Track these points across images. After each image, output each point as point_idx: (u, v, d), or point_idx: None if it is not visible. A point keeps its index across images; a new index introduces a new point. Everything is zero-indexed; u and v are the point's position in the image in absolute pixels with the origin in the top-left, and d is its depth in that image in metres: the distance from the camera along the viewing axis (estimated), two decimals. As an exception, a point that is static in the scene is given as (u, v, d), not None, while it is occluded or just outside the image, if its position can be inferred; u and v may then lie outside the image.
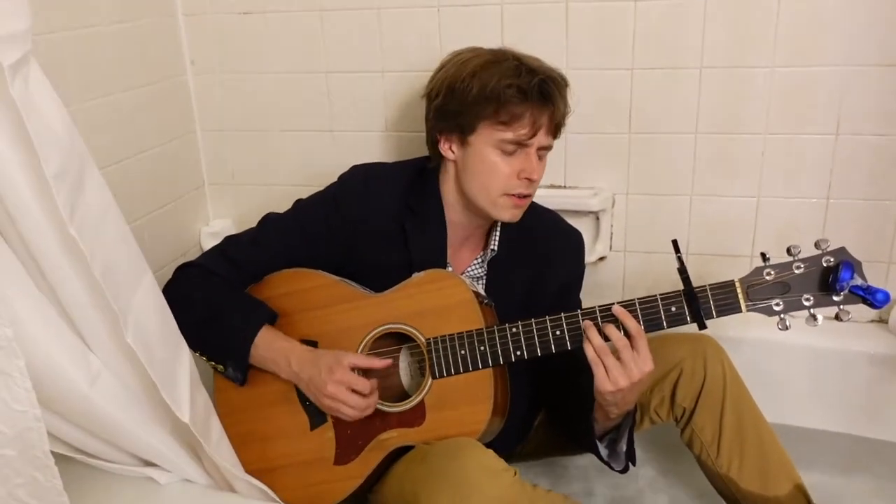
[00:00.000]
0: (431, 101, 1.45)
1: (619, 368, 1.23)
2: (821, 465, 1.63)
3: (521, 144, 1.37)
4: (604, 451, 1.41)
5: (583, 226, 1.72)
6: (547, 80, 1.38)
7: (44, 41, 1.46)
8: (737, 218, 1.75)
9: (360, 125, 1.90)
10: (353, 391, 1.32)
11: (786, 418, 1.68)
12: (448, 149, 1.44)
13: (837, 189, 1.68)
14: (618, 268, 1.86)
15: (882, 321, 1.76)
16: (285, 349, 1.38)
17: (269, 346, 1.39)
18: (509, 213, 1.41)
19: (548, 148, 1.42)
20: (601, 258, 1.85)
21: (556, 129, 1.41)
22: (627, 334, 1.25)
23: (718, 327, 1.61)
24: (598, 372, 1.24)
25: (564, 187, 1.83)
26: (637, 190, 1.79)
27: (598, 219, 1.81)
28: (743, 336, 1.71)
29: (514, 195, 1.39)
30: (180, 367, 1.23)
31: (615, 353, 1.25)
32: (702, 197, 1.76)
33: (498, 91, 1.35)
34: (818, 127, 1.65)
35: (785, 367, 1.73)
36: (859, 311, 1.70)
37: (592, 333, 1.25)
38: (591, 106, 1.73)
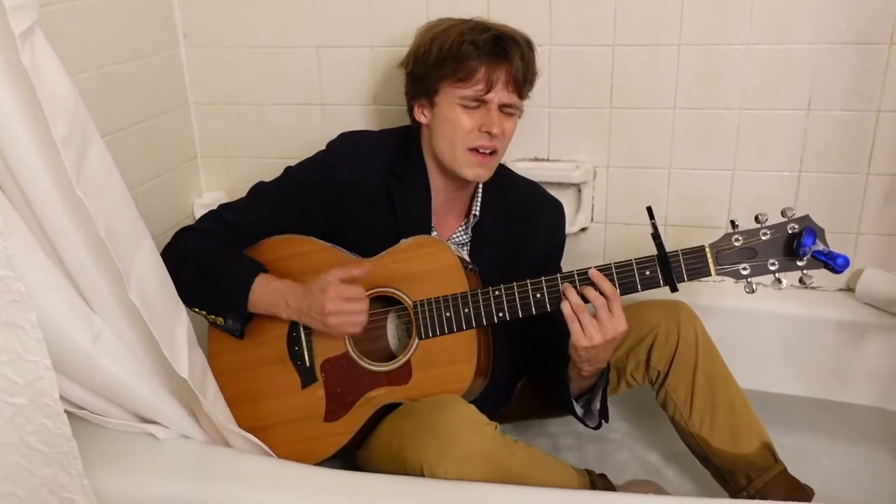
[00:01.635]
0: (405, 70, 1.52)
1: (594, 325, 1.30)
2: (790, 427, 1.70)
3: (480, 101, 1.42)
4: (579, 410, 1.48)
5: (565, 197, 1.77)
6: (502, 36, 1.42)
7: (43, 13, 1.48)
8: (713, 190, 1.81)
9: (350, 99, 1.93)
10: (349, 300, 1.36)
11: (758, 384, 1.73)
12: (421, 114, 1.50)
13: (809, 163, 1.74)
14: (599, 238, 1.92)
15: (850, 290, 1.82)
16: (281, 290, 1.42)
17: (265, 289, 1.42)
18: (473, 170, 1.45)
19: (511, 106, 1.45)
20: (583, 229, 1.90)
21: (517, 86, 1.44)
22: (603, 296, 1.31)
23: (693, 295, 1.69)
24: (574, 328, 1.31)
25: (548, 160, 1.87)
26: (617, 163, 1.84)
27: (579, 191, 1.87)
28: (717, 304, 1.78)
29: (476, 150, 1.43)
30: (179, 326, 1.29)
31: (592, 314, 1.31)
32: (679, 170, 1.81)
33: (454, 49, 1.41)
34: (791, 103, 1.70)
35: (756, 334, 1.80)
36: (828, 279, 1.79)
37: (570, 293, 1.32)
38: (574, 81, 1.78)
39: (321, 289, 1.37)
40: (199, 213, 2.03)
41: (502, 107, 1.44)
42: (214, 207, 1.57)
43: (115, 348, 1.22)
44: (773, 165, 1.76)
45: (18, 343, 0.97)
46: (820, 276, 1.74)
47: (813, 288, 1.83)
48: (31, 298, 1.03)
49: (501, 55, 1.41)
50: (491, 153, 1.45)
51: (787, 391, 1.82)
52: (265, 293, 1.43)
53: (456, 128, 1.43)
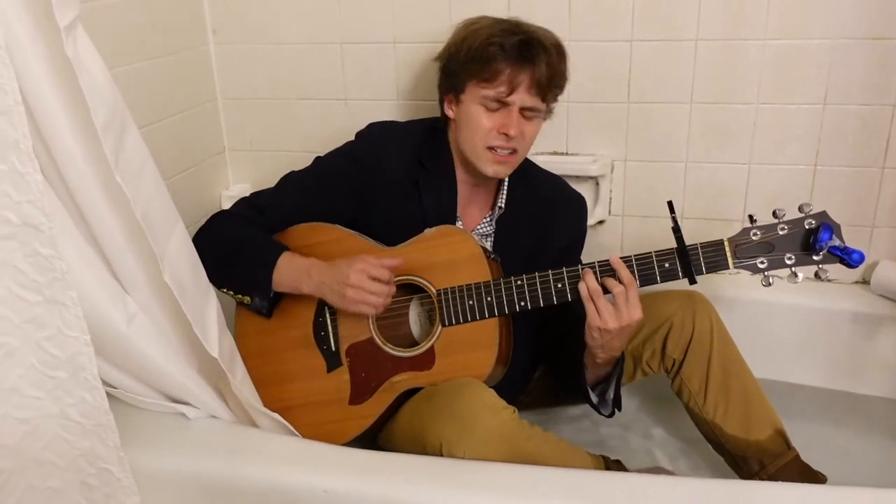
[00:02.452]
0: (439, 65, 1.55)
1: (609, 310, 1.33)
2: (805, 417, 1.72)
3: (502, 102, 1.44)
4: (594, 398, 1.52)
5: (583, 190, 1.80)
6: (530, 40, 1.44)
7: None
8: (729, 184, 1.83)
9: (373, 94, 1.98)
10: (373, 279, 1.39)
11: (774, 374, 1.77)
12: (449, 108, 1.53)
13: (824, 157, 1.76)
14: (616, 231, 1.95)
15: (865, 282, 1.84)
16: (305, 265, 1.46)
17: (289, 265, 1.46)
18: (491, 167, 1.48)
19: (533, 109, 1.46)
20: (600, 221, 1.93)
21: (541, 91, 1.45)
22: (621, 283, 1.34)
23: (711, 287, 1.72)
24: (590, 309, 1.34)
25: (566, 154, 1.91)
26: (635, 157, 1.87)
27: (597, 184, 1.90)
28: (734, 296, 1.81)
29: (494, 150, 1.46)
30: (209, 308, 1.34)
31: (610, 300, 1.34)
32: (696, 164, 1.84)
33: (481, 49, 1.43)
34: (807, 97, 1.72)
35: (773, 325, 1.82)
36: (844, 272, 1.80)
37: (589, 278, 1.35)
38: (592, 76, 1.81)
39: (349, 262, 1.41)
40: (226, 205, 2.09)
41: (524, 110, 1.45)
42: (248, 195, 1.62)
43: (148, 330, 1.27)
44: (789, 159, 1.78)
45: (60, 319, 1.02)
46: (835, 269, 1.76)
47: (829, 280, 1.84)
48: (71, 278, 1.08)
49: (527, 59, 1.43)
50: (510, 153, 1.47)
51: (803, 381, 1.84)
52: (289, 268, 1.46)
53: (476, 126, 1.47)
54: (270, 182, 1.62)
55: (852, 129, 1.73)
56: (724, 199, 1.85)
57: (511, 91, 1.43)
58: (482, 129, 1.46)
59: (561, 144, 1.91)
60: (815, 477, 1.48)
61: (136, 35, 1.76)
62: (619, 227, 1.95)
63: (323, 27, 1.95)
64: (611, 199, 1.92)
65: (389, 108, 1.98)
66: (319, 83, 2.01)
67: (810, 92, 1.72)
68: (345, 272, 1.40)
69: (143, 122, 1.79)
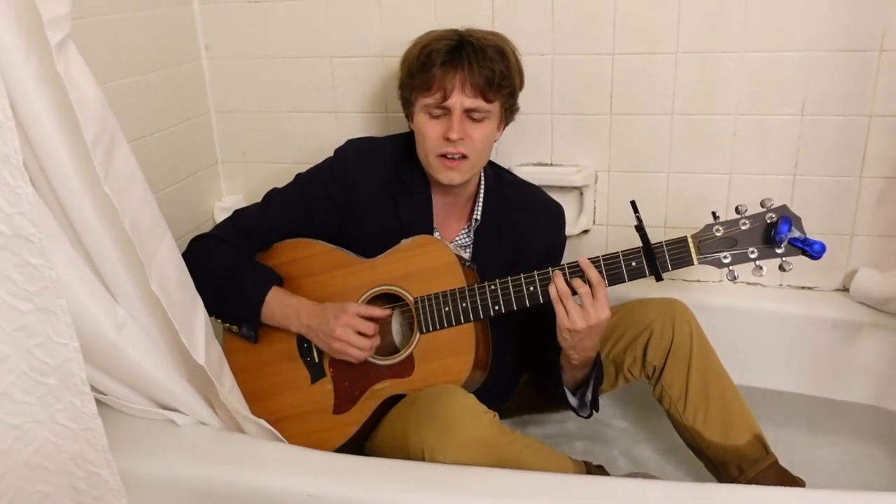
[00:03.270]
0: (398, 84, 1.60)
1: (577, 311, 1.36)
2: (785, 423, 1.75)
3: (443, 108, 1.47)
4: (574, 401, 1.55)
5: (567, 201, 1.84)
6: (461, 44, 1.47)
7: (73, 26, 1.58)
8: (710, 193, 1.86)
9: (362, 107, 2.01)
10: (359, 334, 1.44)
11: (754, 380, 1.79)
12: (411, 124, 1.57)
13: (804, 166, 1.79)
14: (601, 240, 1.98)
15: (844, 289, 1.87)
16: (295, 305, 1.51)
17: (279, 303, 1.51)
18: (444, 174, 1.50)
19: (478, 110, 1.47)
20: (585, 231, 1.96)
21: (478, 91, 1.46)
22: (590, 284, 1.37)
23: (691, 295, 1.75)
24: (559, 311, 1.37)
25: (551, 164, 1.94)
26: (618, 167, 1.90)
27: (581, 194, 1.93)
28: (714, 303, 1.84)
29: (443, 157, 1.49)
30: (197, 318, 1.36)
31: (579, 301, 1.37)
32: (678, 174, 1.87)
33: (417, 60, 1.48)
34: (785, 108, 1.76)
35: (753, 332, 1.84)
36: (824, 279, 1.83)
37: (559, 280, 1.38)
38: (576, 88, 1.85)
39: (335, 314, 1.45)
40: (219, 216, 2.12)
41: (468, 112, 1.47)
42: (233, 211, 1.66)
43: (137, 338, 1.30)
44: (769, 169, 1.82)
45: (50, 327, 1.05)
46: (816, 276, 1.80)
47: (809, 288, 1.88)
48: (60, 287, 1.11)
49: (456, 61, 1.45)
50: (461, 158, 1.49)
51: (783, 388, 1.86)
52: (280, 307, 1.51)
53: (424, 136, 1.50)
54: (262, 193, 1.66)
55: (830, 139, 1.76)
56: (706, 209, 1.80)
57: (446, 95, 1.46)
58: (429, 138, 1.49)
59: (545, 155, 1.94)
60: (793, 482, 1.50)
61: (131, 50, 1.79)
62: (603, 236, 1.97)
63: (313, 41, 1.99)
64: (595, 208, 1.95)
65: (378, 121, 2.02)
66: (310, 96, 2.04)
67: (788, 103, 1.76)
68: (332, 325, 1.45)
69: (137, 135, 1.82)
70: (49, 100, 1.08)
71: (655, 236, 1.37)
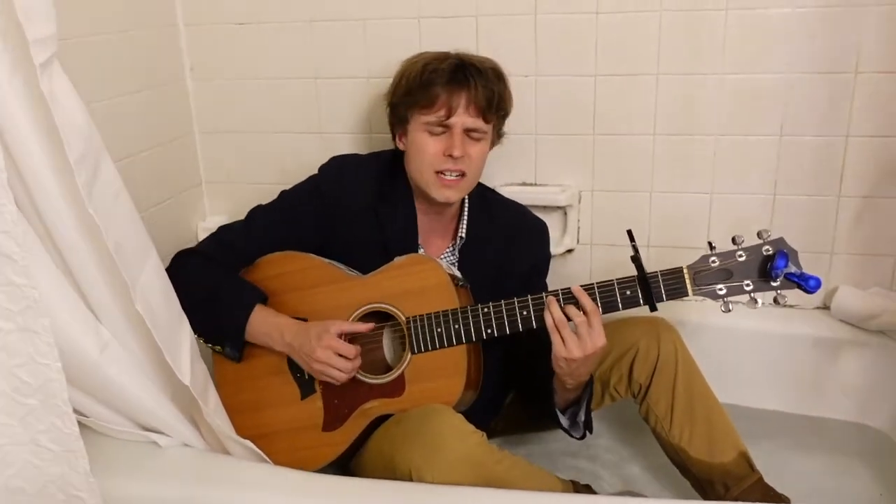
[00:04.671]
0: (387, 102, 1.61)
1: (574, 340, 1.36)
2: (769, 441, 1.75)
3: (444, 125, 1.49)
4: (565, 422, 1.54)
5: (551, 220, 1.85)
6: (463, 64, 1.51)
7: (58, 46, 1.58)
8: (692, 213, 1.88)
9: (347, 127, 2.02)
10: (340, 355, 1.44)
11: (738, 398, 1.80)
12: (400, 142, 1.58)
13: (783, 186, 1.82)
14: (585, 259, 1.99)
15: (825, 307, 1.89)
16: (278, 324, 1.50)
17: (262, 322, 1.50)
18: (441, 192, 1.52)
19: (477, 130, 1.51)
20: (569, 250, 1.97)
21: (480, 111, 1.50)
22: (584, 311, 1.37)
23: (676, 313, 1.76)
24: (556, 339, 1.37)
25: (535, 184, 1.95)
26: (601, 187, 1.92)
27: (565, 214, 1.94)
28: (698, 321, 1.85)
29: (443, 175, 1.50)
30: (182, 337, 1.35)
31: (574, 331, 1.37)
32: (660, 193, 1.89)
33: (417, 78, 1.50)
34: (764, 129, 1.79)
35: (736, 350, 1.86)
36: (804, 298, 1.84)
37: (553, 307, 1.38)
38: (559, 109, 1.87)
39: (318, 335, 1.45)
40: (202, 237, 2.07)
41: (468, 131, 1.50)
42: (217, 227, 1.65)
43: (121, 359, 1.29)
44: (749, 188, 1.84)
45: (32, 347, 1.04)
46: (795, 294, 1.81)
47: (790, 306, 1.88)
48: (43, 306, 1.10)
49: (461, 80, 1.48)
50: (459, 176, 1.51)
51: (766, 406, 1.87)
52: (263, 325, 1.50)
53: (423, 152, 1.51)
54: (246, 213, 1.65)
55: (808, 159, 1.79)
56: (688, 228, 1.90)
57: (450, 113, 1.48)
58: (428, 154, 1.50)
59: (530, 175, 1.95)
60: (778, 499, 1.50)
61: (116, 70, 1.79)
62: (587, 255, 1.99)
63: (297, 62, 2.00)
64: (579, 228, 1.97)
65: (363, 142, 2.02)
66: (295, 117, 2.05)
67: (767, 124, 1.78)
68: (313, 346, 1.44)
69: (121, 155, 1.81)
70: (34, 119, 1.08)
71: (640, 253, 1.38)
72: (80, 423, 1.34)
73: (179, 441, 1.43)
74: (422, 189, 1.55)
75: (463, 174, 1.51)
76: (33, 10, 1.00)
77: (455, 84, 1.49)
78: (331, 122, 2.04)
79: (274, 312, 1.52)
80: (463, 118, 1.49)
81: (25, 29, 0.98)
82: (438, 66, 1.50)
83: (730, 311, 1.36)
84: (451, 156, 1.49)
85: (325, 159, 1.66)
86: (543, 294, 1.41)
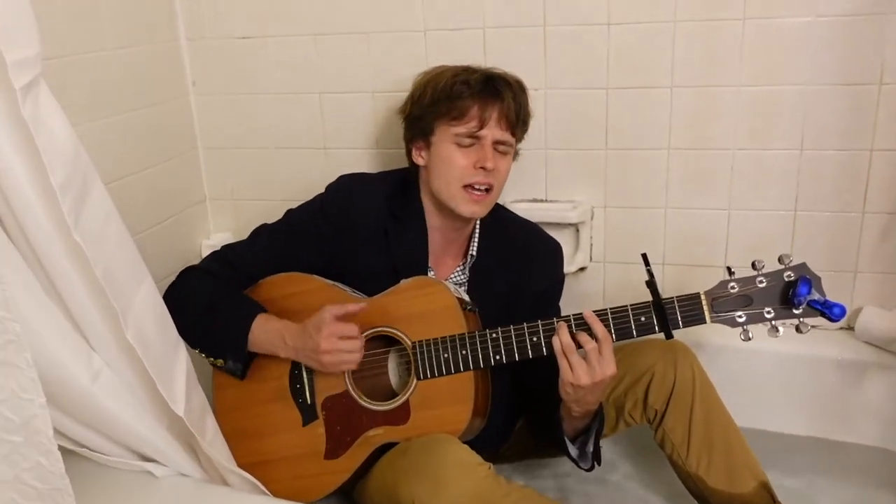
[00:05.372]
0: (402, 116, 1.56)
1: (582, 366, 1.31)
2: (790, 467, 1.69)
3: (474, 137, 1.46)
4: (574, 451, 1.48)
5: (563, 238, 1.80)
6: (493, 77, 1.48)
7: (56, 64, 1.56)
8: (709, 230, 1.83)
9: (352, 143, 1.99)
10: (344, 338, 1.39)
11: (757, 423, 1.75)
12: (419, 156, 1.54)
13: (804, 202, 1.75)
14: (598, 278, 1.94)
15: (849, 328, 1.82)
16: (279, 329, 1.45)
17: (263, 329, 1.46)
18: (468, 207, 1.48)
19: (505, 143, 1.48)
20: (582, 268, 1.92)
21: (509, 124, 1.48)
22: (595, 338, 1.32)
23: (692, 336, 1.69)
24: (563, 365, 1.32)
25: (545, 201, 1.91)
26: (614, 203, 1.87)
27: (577, 231, 1.89)
28: (715, 343, 1.78)
29: (472, 188, 1.46)
30: (178, 365, 1.31)
31: (584, 357, 1.32)
32: (675, 210, 1.83)
33: (447, 89, 1.46)
34: (784, 142, 1.73)
35: (756, 372, 1.80)
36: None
37: (563, 332, 1.33)
38: (570, 124, 1.82)
39: (316, 327, 1.40)
40: (206, 254, 2.06)
41: (496, 144, 1.47)
42: (221, 245, 1.62)
43: (114, 387, 1.25)
44: (769, 204, 1.78)
45: (15, 382, 1.00)
46: (818, 320, 1.74)
47: (813, 327, 1.82)
48: (32, 337, 1.06)
49: (493, 93, 1.46)
50: (486, 190, 1.48)
51: (788, 430, 1.81)
52: (264, 333, 1.46)
53: (451, 165, 1.47)
54: (251, 230, 1.62)
55: (831, 173, 1.73)
56: (705, 246, 1.84)
57: (482, 125, 1.45)
58: (458, 167, 1.46)
59: (540, 192, 1.91)
60: (801, 531, 1.45)
61: (118, 87, 1.77)
62: (600, 273, 1.93)
63: (302, 77, 1.96)
64: (591, 245, 1.91)
65: (368, 157, 1.98)
66: (299, 132, 2.02)
67: (787, 137, 1.72)
68: (315, 340, 1.40)
69: (123, 173, 1.80)
70: (19, 143, 1.04)
71: (655, 273, 1.33)
72: (72, 452, 1.31)
73: (175, 470, 1.39)
74: (445, 204, 1.50)
75: (489, 189, 1.48)
76: (12, 30, 0.95)
77: (487, 95, 1.46)
78: (336, 138, 2.00)
79: (274, 318, 1.48)
80: (493, 130, 1.46)
81: (3, 51, 0.93)
82: (469, 77, 1.47)
83: (750, 339, 1.31)
84: (482, 168, 1.45)
85: (330, 175, 1.62)
86: (554, 319, 1.36)
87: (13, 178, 1.05)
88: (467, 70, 1.50)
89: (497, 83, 1.47)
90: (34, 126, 1.00)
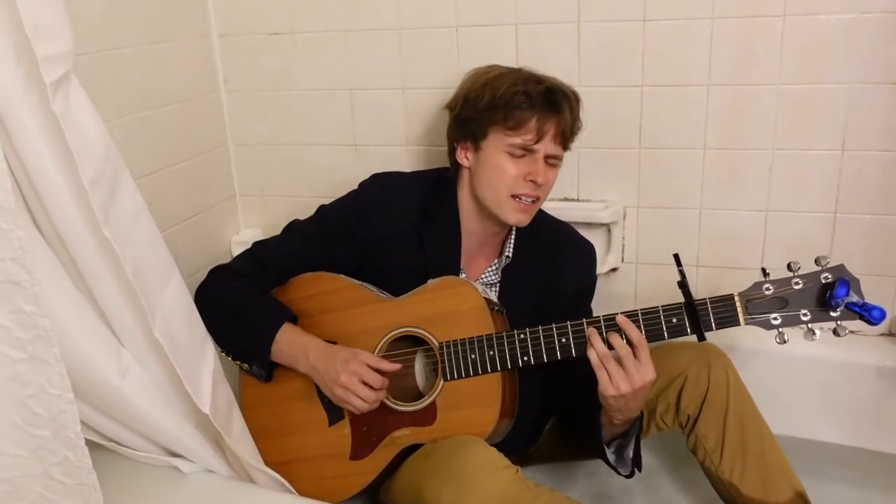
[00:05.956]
0: (451, 112, 1.54)
1: (621, 374, 1.28)
2: (827, 477, 1.65)
3: (528, 149, 1.43)
4: (611, 457, 1.45)
5: (595, 238, 1.77)
6: (554, 89, 1.44)
7: (87, 60, 1.57)
8: (745, 231, 1.78)
9: (382, 139, 1.97)
10: (364, 384, 1.38)
11: (794, 430, 1.70)
12: (464, 156, 1.51)
13: (845, 204, 1.70)
14: (629, 279, 1.90)
15: (892, 334, 1.76)
16: (304, 344, 1.45)
17: (289, 341, 1.46)
18: (515, 216, 1.46)
19: (556, 157, 1.46)
20: (613, 269, 1.89)
21: (563, 139, 1.46)
22: (630, 343, 1.29)
23: (726, 339, 1.66)
24: (602, 376, 1.29)
25: (577, 200, 1.88)
26: (647, 203, 1.83)
27: (609, 231, 1.86)
28: (751, 348, 1.74)
29: (519, 198, 1.44)
30: (205, 362, 1.31)
31: (618, 360, 1.29)
32: (711, 210, 1.79)
33: (506, 98, 1.42)
34: (825, 143, 1.68)
35: (794, 379, 1.75)
36: (867, 326, 1.73)
37: (596, 340, 1.30)
38: (603, 122, 1.78)
39: (344, 359, 1.40)
40: (236, 250, 2.10)
41: (547, 157, 1.45)
42: (251, 244, 1.62)
43: (142, 383, 1.25)
44: (808, 206, 1.73)
45: (43, 377, 1.00)
46: (857, 324, 1.70)
47: (852, 332, 1.77)
48: (61, 333, 1.07)
49: (553, 108, 1.43)
50: (533, 201, 1.46)
51: (825, 439, 1.76)
52: (289, 345, 1.46)
53: (501, 174, 1.45)
54: (280, 226, 1.62)
55: (873, 175, 1.67)
56: (740, 248, 1.80)
57: (538, 139, 1.42)
58: (508, 176, 1.44)
59: (572, 191, 1.88)
60: (838, 542, 1.41)
61: (150, 83, 1.78)
62: (632, 274, 1.90)
63: (333, 74, 1.95)
64: (623, 246, 1.88)
65: (399, 154, 1.97)
66: (329, 129, 2.01)
67: (828, 137, 1.67)
68: (337, 370, 1.39)
69: (154, 168, 1.81)
70: (50, 139, 1.04)
71: (688, 275, 1.30)
72: (99, 447, 1.32)
73: (202, 467, 1.39)
74: (490, 210, 1.48)
75: (537, 199, 1.47)
76: (44, 25, 0.95)
77: (547, 110, 1.43)
78: (366, 135, 1.99)
79: (302, 332, 1.48)
80: (548, 145, 1.44)
81: (35, 46, 0.93)
82: (529, 88, 1.43)
83: (785, 342, 1.27)
84: (533, 181, 1.43)
85: (359, 172, 1.61)
86: (584, 321, 1.34)
87: (44, 173, 1.05)
88: (528, 80, 1.45)
89: (557, 97, 1.44)
90: (65, 121, 1.00)
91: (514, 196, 1.44)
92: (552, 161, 1.46)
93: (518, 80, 1.45)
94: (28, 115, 1.01)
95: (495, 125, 1.44)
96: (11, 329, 0.97)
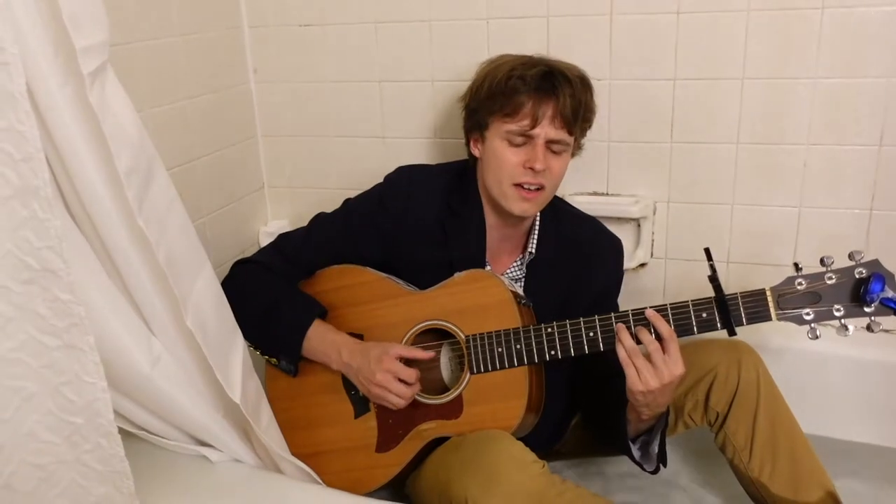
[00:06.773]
0: (463, 105, 1.53)
1: (649, 370, 1.27)
2: (860, 477, 1.63)
3: (526, 136, 1.40)
4: (636, 453, 1.44)
5: (624, 232, 1.76)
6: (551, 71, 1.41)
7: (120, 51, 1.58)
8: (778, 227, 1.76)
9: (411, 132, 1.97)
10: (399, 380, 1.38)
11: (826, 430, 1.68)
12: (475, 147, 1.50)
13: (881, 200, 1.67)
14: (658, 274, 1.88)
15: (926, 333, 1.73)
16: (336, 342, 1.45)
17: (321, 339, 1.46)
18: (518, 205, 1.43)
19: (560, 142, 1.42)
20: (642, 264, 1.87)
21: (566, 123, 1.41)
22: (659, 337, 1.28)
23: (757, 336, 1.64)
24: (630, 372, 1.28)
25: (607, 194, 1.86)
26: (678, 198, 1.81)
27: (639, 226, 1.84)
28: (783, 345, 1.72)
29: (521, 186, 1.42)
30: (234, 352, 1.32)
31: (647, 355, 1.28)
32: (743, 206, 1.77)
33: (502, 84, 1.41)
34: (862, 138, 1.65)
35: (825, 377, 1.73)
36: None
37: (624, 335, 1.29)
38: (634, 115, 1.77)
39: (378, 357, 1.40)
40: (264, 241, 2.11)
41: (550, 143, 1.41)
42: (277, 235, 1.62)
43: (173, 372, 1.26)
44: (843, 203, 1.70)
45: (78, 364, 1.01)
46: (891, 320, 1.67)
47: (886, 331, 1.74)
48: (94, 322, 1.08)
49: (549, 90, 1.40)
50: (537, 189, 1.43)
51: (858, 438, 1.74)
52: (321, 343, 1.46)
53: (501, 163, 1.43)
54: (308, 218, 1.62)
55: (912, 172, 1.64)
56: (773, 244, 1.77)
57: (534, 124, 1.39)
58: (507, 164, 1.42)
59: (602, 185, 1.86)
60: (869, 544, 1.38)
61: (180, 74, 1.79)
62: (661, 270, 1.88)
63: (361, 66, 1.95)
64: (653, 241, 1.86)
65: (427, 146, 1.96)
66: (358, 121, 2.01)
67: (865, 132, 1.65)
68: (373, 369, 1.39)
69: (184, 159, 1.82)
70: (86, 128, 1.04)
71: (718, 271, 1.28)
72: (130, 434, 1.33)
73: (231, 456, 1.40)
74: (496, 200, 1.47)
75: (542, 187, 1.43)
76: (82, 16, 0.96)
77: (542, 93, 1.40)
78: (394, 127, 1.99)
79: (333, 329, 1.48)
80: (547, 129, 1.40)
81: (73, 37, 0.94)
82: (525, 72, 1.40)
83: (818, 337, 1.25)
84: (531, 168, 1.40)
85: (388, 164, 1.60)
86: (612, 315, 1.33)
87: (80, 163, 1.06)
88: (526, 64, 1.43)
89: (555, 79, 1.40)
90: (101, 111, 1.01)
91: (516, 185, 1.42)
92: (556, 147, 1.42)
93: (517, 64, 1.43)
94: (65, 106, 1.02)
95: (494, 113, 1.43)
96: (47, 317, 0.98)
